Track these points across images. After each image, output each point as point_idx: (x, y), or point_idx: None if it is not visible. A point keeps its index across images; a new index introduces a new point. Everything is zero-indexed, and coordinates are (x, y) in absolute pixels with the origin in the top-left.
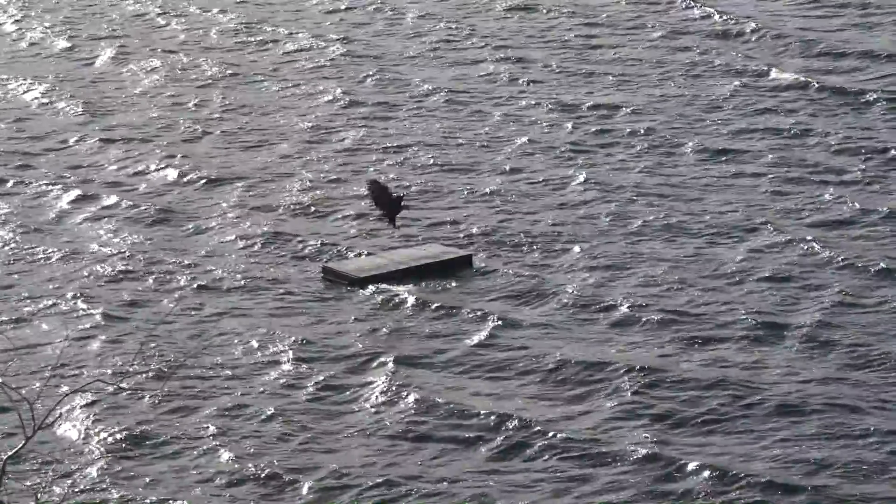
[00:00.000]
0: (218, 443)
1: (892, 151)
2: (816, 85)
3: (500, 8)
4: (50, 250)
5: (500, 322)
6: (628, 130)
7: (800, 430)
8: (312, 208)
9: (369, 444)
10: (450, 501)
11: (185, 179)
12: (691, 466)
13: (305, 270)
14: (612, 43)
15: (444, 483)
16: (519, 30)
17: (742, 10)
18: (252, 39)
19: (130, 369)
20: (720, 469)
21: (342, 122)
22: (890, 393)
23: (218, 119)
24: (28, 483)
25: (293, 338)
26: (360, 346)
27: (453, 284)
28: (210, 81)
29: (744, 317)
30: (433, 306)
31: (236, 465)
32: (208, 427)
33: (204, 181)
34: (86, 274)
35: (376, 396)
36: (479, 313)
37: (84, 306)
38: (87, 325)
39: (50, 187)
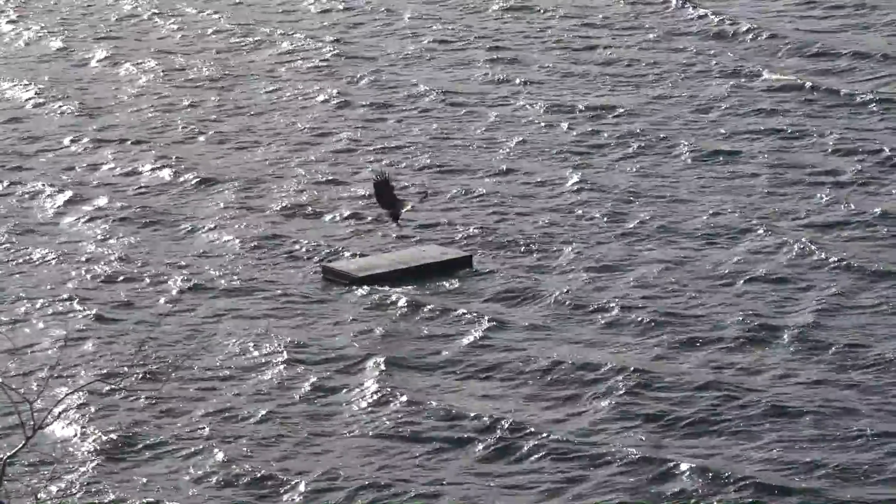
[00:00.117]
0: (212, 444)
1: (887, 152)
2: (811, 86)
3: (495, 9)
4: (44, 251)
5: (496, 323)
6: (624, 131)
7: (793, 432)
8: (309, 208)
9: (362, 446)
10: (442, 502)
11: (179, 180)
12: (684, 468)
13: (302, 271)
14: (608, 44)
15: (437, 484)
16: (514, 30)
17: (737, 11)
18: (247, 40)
19: (128, 370)
20: (713, 470)
21: (338, 123)
22: (883, 395)
23: (212, 120)
24: (27, 483)
25: (288, 339)
26: (356, 346)
27: (452, 285)
28: (205, 82)
29: (737, 318)
30: (432, 307)
31: (231, 466)
32: (203, 428)
33: (199, 182)
34: (81, 275)
35: (371, 398)
36: (475, 314)
37: (79, 307)
38: (83, 326)
39: (44, 188)
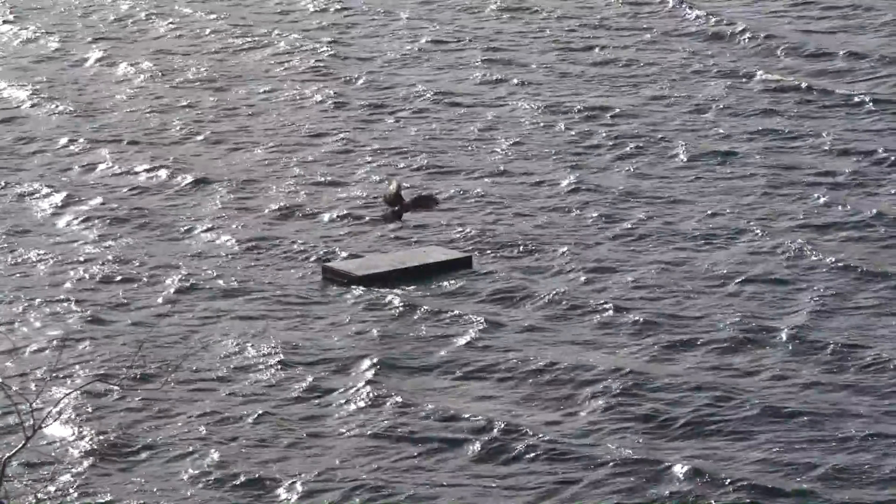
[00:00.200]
0: (209, 445)
1: (883, 153)
2: (807, 87)
3: (492, 9)
4: (40, 252)
5: (493, 324)
6: (620, 132)
7: (789, 433)
8: (307, 209)
9: (358, 447)
10: None
11: (176, 180)
12: (679, 469)
13: (299, 271)
14: (605, 44)
15: (432, 486)
16: (511, 31)
17: (734, 12)
18: (243, 41)
19: (126, 370)
20: (708, 472)
21: (334, 124)
22: (880, 396)
23: (208, 120)
24: (27, 483)
25: (285, 339)
26: (353, 347)
27: (452, 286)
28: (201, 82)
29: (733, 319)
30: (430, 308)
31: (227, 467)
32: (200, 428)
33: (195, 182)
34: (77, 275)
35: (367, 399)
36: (472, 316)
37: (76, 308)
38: (80, 327)
39: (40, 188)
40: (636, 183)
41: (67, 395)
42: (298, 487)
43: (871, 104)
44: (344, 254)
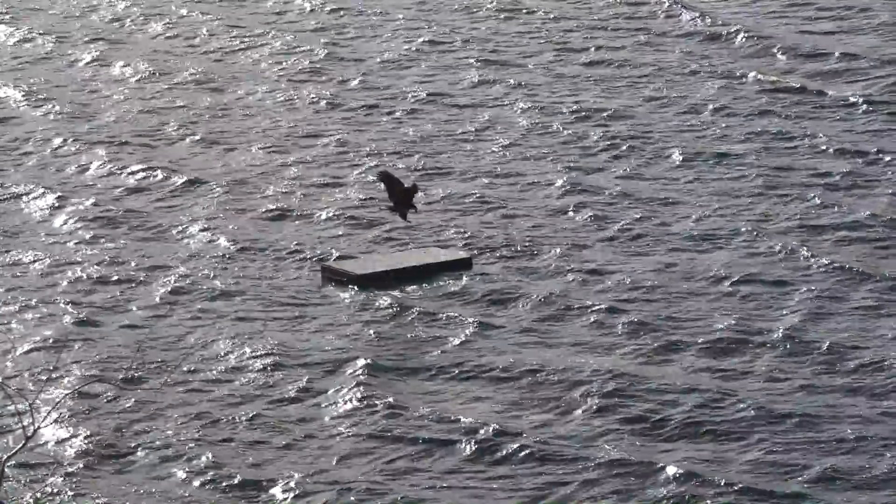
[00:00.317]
0: (202, 446)
1: (877, 155)
2: (801, 88)
3: (487, 10)
4: (33, 253)
5: (487, 326)
6: (615, 133)
7: (780, 436)
8: (303, 209)
9: (350, 448)
10: None
11: (169, 182)
12: (671, 471)
13: (296, 272)
14: (599, 45)
15: (423, 487)
16: (506, 32)
17: (729, 13)
18: (237, 42)
19: (125, 372)
20: (700, 474)
21: (328, 125)
22: (871, 398)
23: (202, 121)
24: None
25: (280, 340)
26: (348, 348)
27: (450, 287)
28: (194, 83)
29: (725, 321)
30: (426, 309)
31: (219, 469)
32: (193, 430)
33: (189, 183)
34: (72, 276)
35: (359, 400)
36: (467, 317)
37: (73, 309)
38: (77, 328)
39: (32, 189)
40: (631, 184)
41: (65, 395)
42: (292, 488)
43: (865, 105)
44: (337, 253)
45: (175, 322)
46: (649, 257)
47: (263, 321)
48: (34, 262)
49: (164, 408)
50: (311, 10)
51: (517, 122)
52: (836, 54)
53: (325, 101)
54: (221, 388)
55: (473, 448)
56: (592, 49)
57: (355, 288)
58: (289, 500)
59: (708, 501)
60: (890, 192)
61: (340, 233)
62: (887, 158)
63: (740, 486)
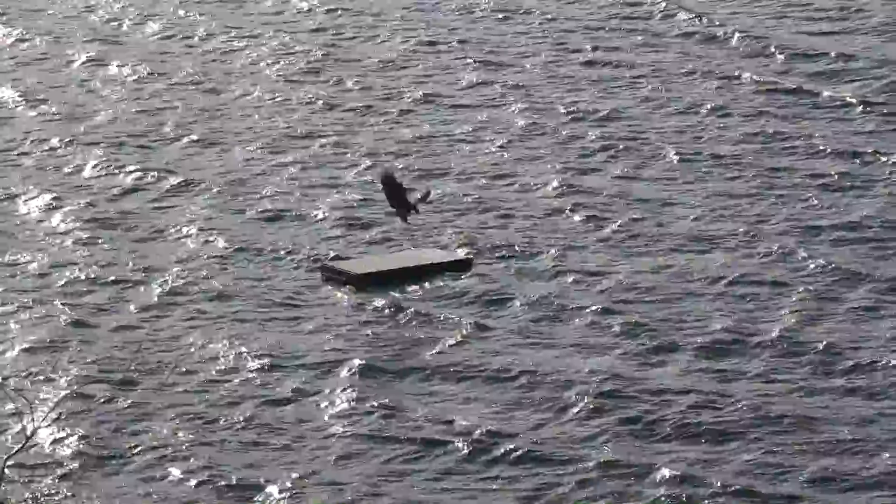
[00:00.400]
0: (195, 447)
1: (872, 156)
2: (796, 89)
3: (482, 11)
4: (26, 254)
5: (481, 327)
6: (610, 134)
7: (774, 438)
8: (300, 210)
9: (343, 450)
10: None
11: (164, 182)
12: (664, 473)
13: (287, 272)
14: (595, 46)
15: (417, 489)
16: (502, 33)
17: (724, 14)
18: (232, 42)
19: (125, 372)
20: (693, 476)
21: (324, 126)
22: (866, 400)
23: (197, 122)
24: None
25: (273, 342)
26: (341, 350)
27: (445, 288)
28: (190, 84)
29: (719, 322)
30: (421, 310)
31: (212, 471)
32: (188, 432)
33: (184, 184)
34: (67, 278)
35: (352, 402)
36: (462, 318)
37: (69, 311)
38: (71, 329)
39: (26, 190)
40: (628, 184)
41: (64, 396)
42: (287, 489)
43: (862, 106)
44: (333, 254)
45: (172, 323)
46: (645, 258)
47: (260, 322)
48: (30, 262)
49: (161, 409)
50: (308, 11)
51: (514, 123)
52: (832, 55)
53: (321, 102)
54: (218, 388)
55: (469, 449)
56: (589, 49)
57: (353, 288)
58: (284, 501)
59: (704, 503)
60: (887, 192)
61: (337, 233)
62: (883, 159)
63: (736, 487)
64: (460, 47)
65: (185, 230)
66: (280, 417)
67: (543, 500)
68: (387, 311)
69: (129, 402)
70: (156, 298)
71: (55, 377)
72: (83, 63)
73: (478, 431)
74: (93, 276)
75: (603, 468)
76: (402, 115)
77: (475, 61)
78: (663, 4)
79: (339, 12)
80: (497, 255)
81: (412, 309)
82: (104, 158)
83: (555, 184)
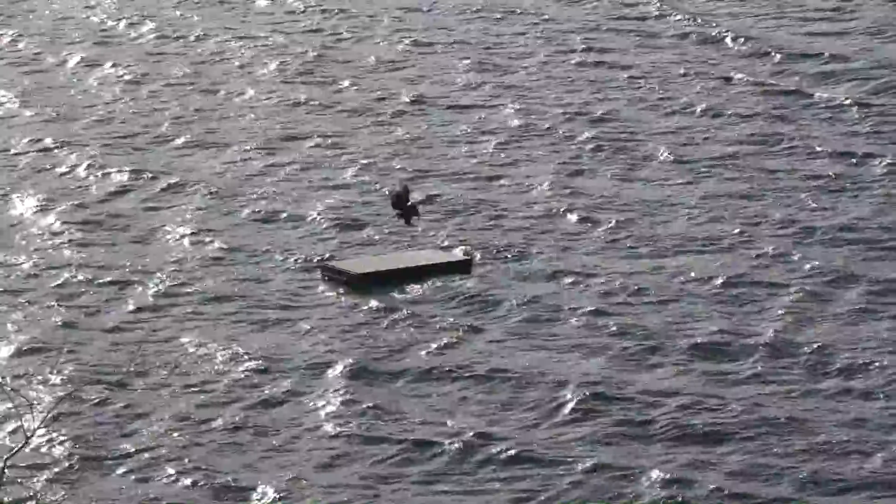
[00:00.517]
0: (188, 450)
1: (865, 157)
2: (790, 90)
3: (477, 12)
4: (19, 256)
5: (472, 329)
6: (604, 136)
7: (764, 440)
8: (298, 210)
9: (332, 451)
10: None
11: (156, 184)
12: (654, 475)
13: (283, 273)
14: (590, 48)
15: (406, 490)
16: (496, 34)
17: (718, 16)
18: (226, 44)
19: (125, 373)
20: (682, 478)
21: (317, 127)
22: (856, 403)
23: (190, 123)
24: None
25: (265, 343)
26: (332, 351)
27: (441, 289)
28: (183, 86)
29: (711, 324)
30: (416, 311)
31: (205, 472)
32: (180, 433)
33: (176, 186)
34: (63, 278)
35: (341, 404)
36: (453, 320)
37: (67, 310)
38: (69, 330)
39: (17, 192)
40: (621, 186)
41: (63, 398)
42: (279, 489)
43: (855, 107)
44: (328, 255)
45: (166, 324)
46: (640, 259)
47: (254, 323)
48: (24, 263)
49: (154, 410)
50: (303, 12)
51: (509, 124)
52: (827, 56)
53: (317, 102)
54: (212, 389)
55: (459, 451)
56: (585, 50)
57: (350, 288)
58: (278, 501)
59: None
60: (880, 194)
61: (331, 234)
62: (877, 160)
63: (729, 489)
64: (456, 48)
65: (179, 231)
66: (273, 418)
67: (535, 501)
68: (381, 312)
69: (123, 403)
70: (150, 299)
71: (50, 378)
72: (77, 64)
73: (470, 433)
74: (86, 277)
75: (594, 470)
76: (397, 116)
77: (471, 63)
78: (658, 6)
79: (334, 14)
80: (492, 256)
81: (407, 310)
82: (98, 159)
83: (549, 185)
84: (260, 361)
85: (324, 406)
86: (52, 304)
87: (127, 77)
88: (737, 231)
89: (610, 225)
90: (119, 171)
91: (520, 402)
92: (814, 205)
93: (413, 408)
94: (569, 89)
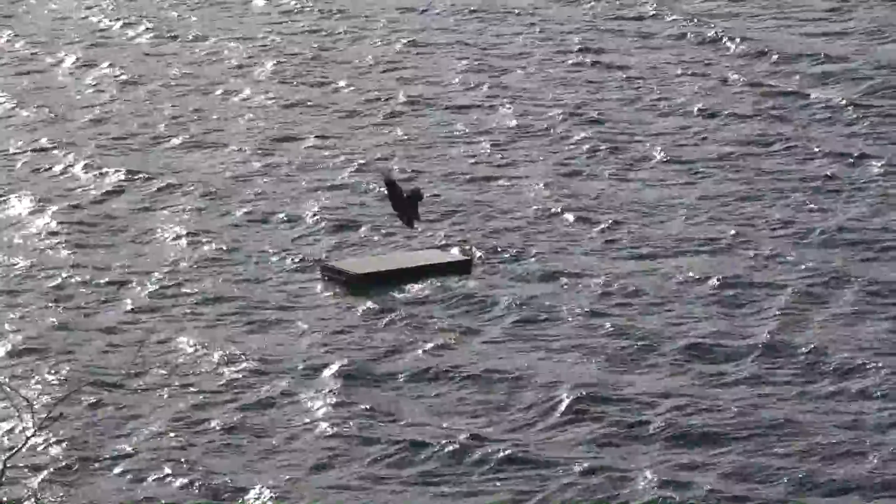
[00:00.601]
0: (182, 451)
1: (861, 159)
2: (785, 92)
3: (472, 13)
4: (13, 257)
5: (466, 330)
6: (600, 137)
7: (757, 442)
8: (294, 211)
9: (324, 453)
10: None
11: (151, 185)
12: (647, 477)
13: (277, 274)
14: (586, 48)
15: (398, 492)
16: (492, 34)
17: (714, 17)
18: (222, 43)
19: (125, 374)
20: (676, 481)
21: (312, 128)
22: (851, 404)
23: (185, 124)
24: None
25: (262, 344)
26: (326, 353)
27: (439, 290)
28: (178, 87)
29: (705, 326)
30: (412, 312)
31: (199, 473)
32: (175, 434)
33: (171, 187)
34: (59, 279)
35: (335, 405)
36: (448, 321)
37: (65, 311)
38: (63, 332)
39: (11, 192)
40: (617, 187)
41: (62, 398)
42: (273, 489)
43: (852, 108)
44: (325, 256)
45: (161, 325)
46: (635, 260)
47: (249, 324)
48: (18, 263)
49: (151, 411)
50: (299, 12)
51: (505, 124)
52: (824, 57)
53: (312, 103)
54: (207, 391)
55: (455, 451)
56: (581, 51)
57: (350, 288)
58: (272, 502)
59: None
60: (877, 195)
61: (327, 235)
62: (872, 161)
63: (722, 491)
64: (453, 49)
65: (175, 231)
66: (270, 419)
67: (531, 502)
68: (378, 312)
69: (120, 403)
70: (147, 300)
71: (47, 378)
72: (72, 64)
73: (464, 434)
74: (83, 277)
75: (589, 472)
76: (393, 117)
77: (467, 63)
78: (654, 6)
79: (330, 14)
80: (487, 257)
81: (404, 311)
82: (95, 159)
83: (545, 185)
84: (257, 362)
85: (321, 406)
86: (49, 304)
87: (123, 77)
88: (733, 232)
89: (607, 225)
90: (115, 172)
91: (515, 403)
92: (811, 205)
93: (410, 408)
94: (566, 90)
